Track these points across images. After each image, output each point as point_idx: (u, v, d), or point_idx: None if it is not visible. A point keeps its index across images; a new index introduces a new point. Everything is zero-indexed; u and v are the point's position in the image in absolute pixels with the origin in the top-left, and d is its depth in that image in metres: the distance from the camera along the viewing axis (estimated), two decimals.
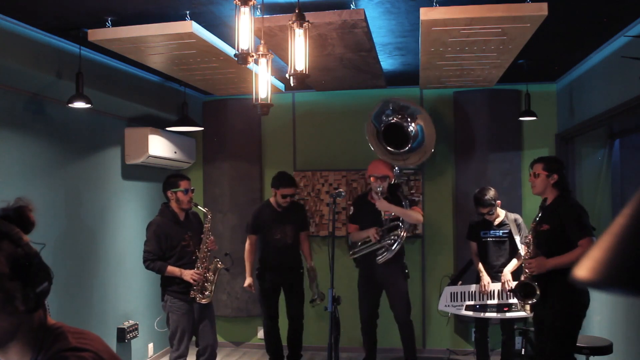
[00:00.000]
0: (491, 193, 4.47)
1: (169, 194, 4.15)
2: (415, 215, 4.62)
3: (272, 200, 4.91)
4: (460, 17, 3.09)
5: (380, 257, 4.56)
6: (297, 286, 4.94)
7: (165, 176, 4.34)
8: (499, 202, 4.52)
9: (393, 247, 4.55)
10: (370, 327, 4.76)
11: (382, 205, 4.59)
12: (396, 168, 4.95)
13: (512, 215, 4.59)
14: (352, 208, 4.93)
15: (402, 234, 4.58)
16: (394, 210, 4.58)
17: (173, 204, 4.15)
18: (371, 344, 4.78)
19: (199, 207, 4.28)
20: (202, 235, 4.17)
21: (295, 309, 4.98)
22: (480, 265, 4.58)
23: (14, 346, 1.15)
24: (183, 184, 4.13)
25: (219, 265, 4.19)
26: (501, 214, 4.59)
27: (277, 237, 4.81)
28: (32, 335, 1.17)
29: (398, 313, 4.67)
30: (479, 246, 4.61)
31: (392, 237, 4.57)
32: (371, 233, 4.57)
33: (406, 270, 4.71)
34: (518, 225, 4.52)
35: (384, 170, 4.64)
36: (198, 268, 4.07)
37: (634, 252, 0.51)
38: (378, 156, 4.88)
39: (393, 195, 4.69)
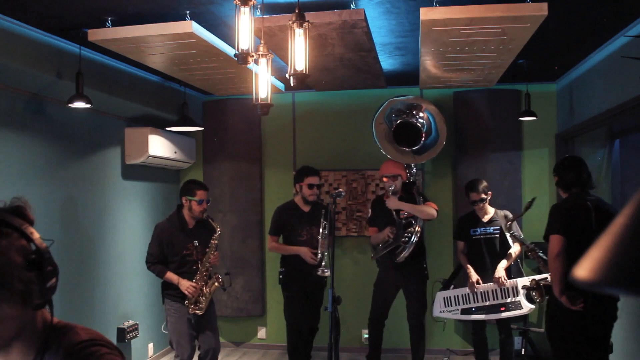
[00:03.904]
0: (484, 183, 4.49)
1: (183, 199, 4.09)
2: (427, 210, 4.52)
3: (297, 199, 4.69)
4: (460, 17, 3.09)
5: (399, 256, 4.51)
6: (317, 291, 4.66)
7: (184, 180, 4.29)
8: (490, 192, 4.51)
9: (409, 243, 4.51)
10: (378, 324, 4.73)
11: (392, 203, 4.55)
12: (414, 168, 4.93)
13: (502, 212, 4.56)
14: (369, 211, 4.86)
15: (416, 228, 4.52)
16: (404, 207, 4.54)
17: (185, 211, 4.10)
18: (377, 341, 4.76)
19: (210, 220, 4.14)
20: (207, 249, 4.10)
21: (314, 314, 4.70)
22: (468, 264, 4.53)
23: (16, 346, 1.15)
24: (199, 194, 4.06)
25: (216, 284, 4.12)
26: (490, 211, 4.55)
27: (303, 238, 4.55)
28: (36, 335, 1.16)
29: (412, 313, 4.64)
30: (470, 245, 4.56)
31: (407, 235, 4.54)
32: (385, 232, 4.53)
33: (425, 272, 4.68)
34: (508, 222, 4.49)
35: (394, 170, 4.62)
36: (196, 280, 4.01)
37: (634, 252, 0.51)
38: (388, 157, 4.82)
39: (408, 193, 4.66)
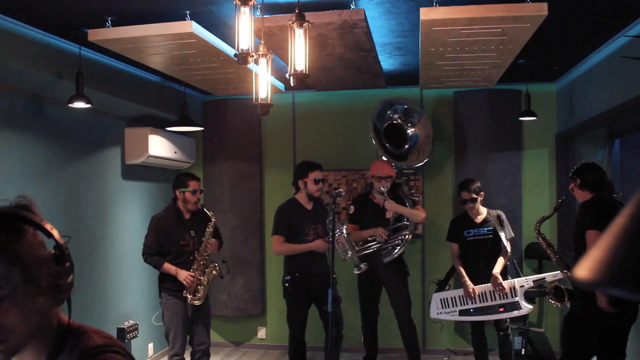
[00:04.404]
0: (476, 183, 4.45)
1: (177, 192, 4.15)
2: (420, 214, 4.59)
3: (298, 196, 4.45)
4: (460, 17, 3.09)
5: (387, 257, 4.51)
6: (325, 294, 4.25)
7: (176, 174, 4.33)
8: (482, 193, 4.48)
9: (396, 251, 4.50)
10: (371, 325, 4.73)
11: (391, 206, 4.53)
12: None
13: (494, 212, 4.51)
14: (352, 208, 4.80)
15: (407, 236, 4.55)
16: (402, 210, 4.55)
17: (180, 203, 4.15)
18: (372, 341, 4.76)
19: (205, 210, 4.19)
20: (202, 238, 4.14)
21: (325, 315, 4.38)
22: (462, 269, 4.46)
23: (30, 345, 1.12)
24: (192, 185, 4.13)
25: (214, 272, 4.15)
26: (483, 211, 4.51)
27: (310, 238, 4.34)
28: (51, 335, 1.14)
29: (399, 311, 4.60)
30: (464, 247, 4.50)
31: (400, 238, 4.55)
32: (378, 233, 4.48)
33: (406, 268, 4.67)
34: (501, 222, 4.44)
35: (388, 171, 4.59)
36: (194, 270, 4.05)
37: (634, 252, 0.51)
38: (381, 156, 4.85)
39: (394, 194, 4.67)
